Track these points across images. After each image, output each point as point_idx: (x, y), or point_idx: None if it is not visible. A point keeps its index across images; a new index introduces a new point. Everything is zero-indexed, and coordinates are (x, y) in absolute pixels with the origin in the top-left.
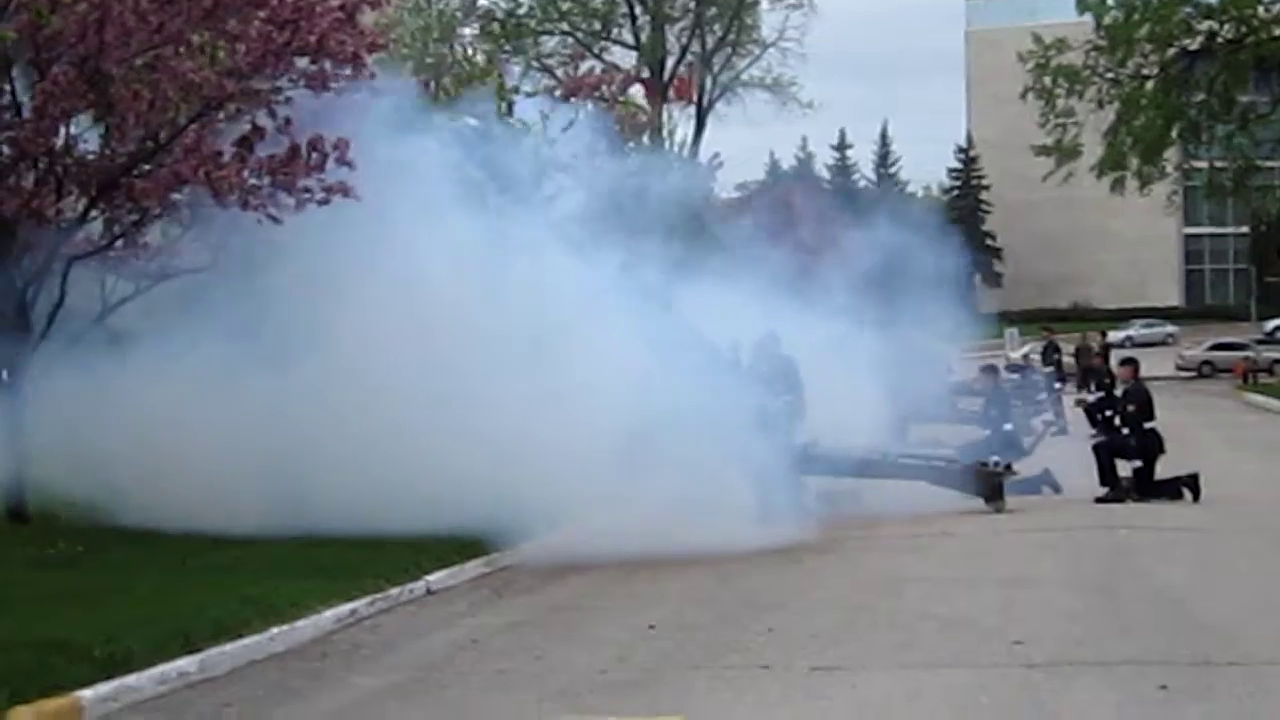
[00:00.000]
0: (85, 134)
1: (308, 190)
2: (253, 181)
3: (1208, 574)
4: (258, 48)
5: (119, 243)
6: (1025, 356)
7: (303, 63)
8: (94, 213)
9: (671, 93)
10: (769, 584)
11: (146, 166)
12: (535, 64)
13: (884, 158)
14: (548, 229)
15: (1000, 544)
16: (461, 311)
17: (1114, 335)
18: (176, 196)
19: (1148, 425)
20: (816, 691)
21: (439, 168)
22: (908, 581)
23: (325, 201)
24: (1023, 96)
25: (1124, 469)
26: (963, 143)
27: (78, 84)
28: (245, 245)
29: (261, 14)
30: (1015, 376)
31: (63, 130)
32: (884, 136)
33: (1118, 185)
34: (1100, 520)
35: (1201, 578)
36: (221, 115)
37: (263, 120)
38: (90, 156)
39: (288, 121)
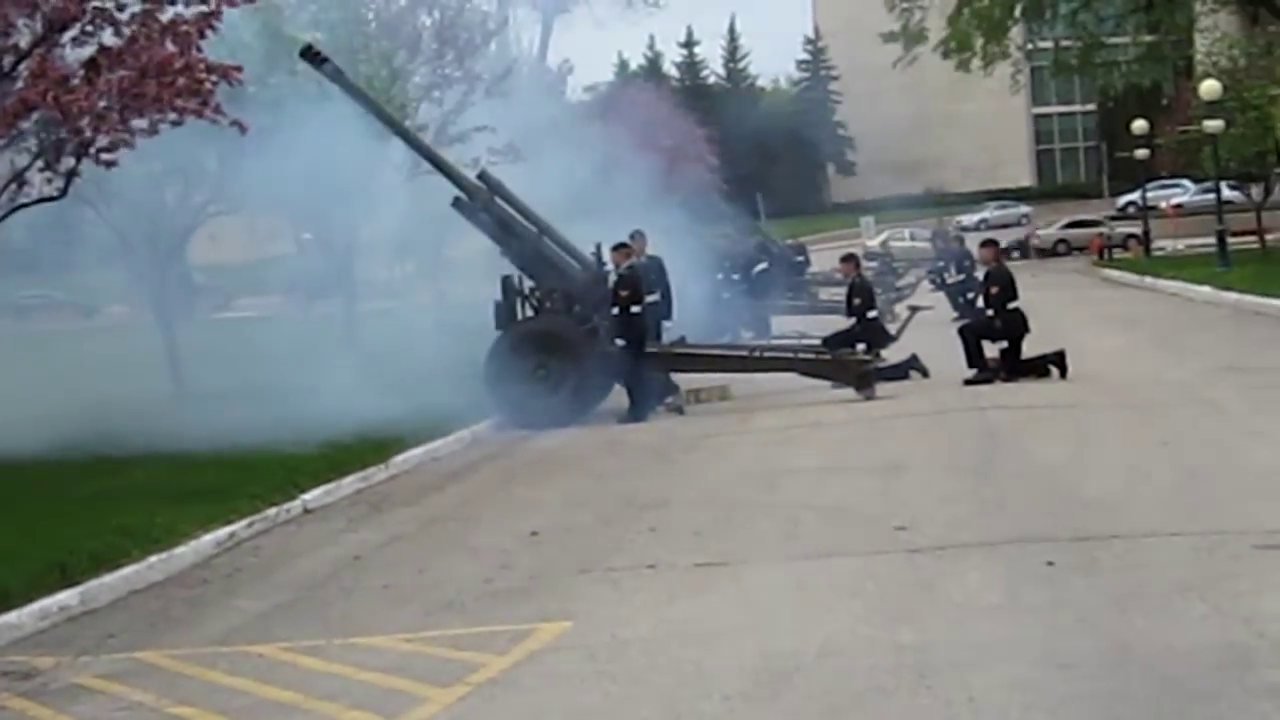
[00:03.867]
0: None
1: (160, 111)
2: (103, 104)
3: (1082, 450)
4: None
5: None
6: (883, 244)
7: None
8: None
9: None
10: (646, 484)
11: None
12: None
13: (732, 53)
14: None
15: (873, 431)
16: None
17: (969, 219)
18: (24, 125)
19: (1011, 306)
20: (703, 587)
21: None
22: (784, 473)
23: (179, 123)
24: None
25: (990, 350)
26: (810, 34)
27: None
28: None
29: None
30: (873, 264)
31: None
32: (731, 32)
33: (963, 65)
34: (971, 402)
35: (1076, 454)
36: (66, 38)
37: (109, 40)
38: None
39: (134, 40)
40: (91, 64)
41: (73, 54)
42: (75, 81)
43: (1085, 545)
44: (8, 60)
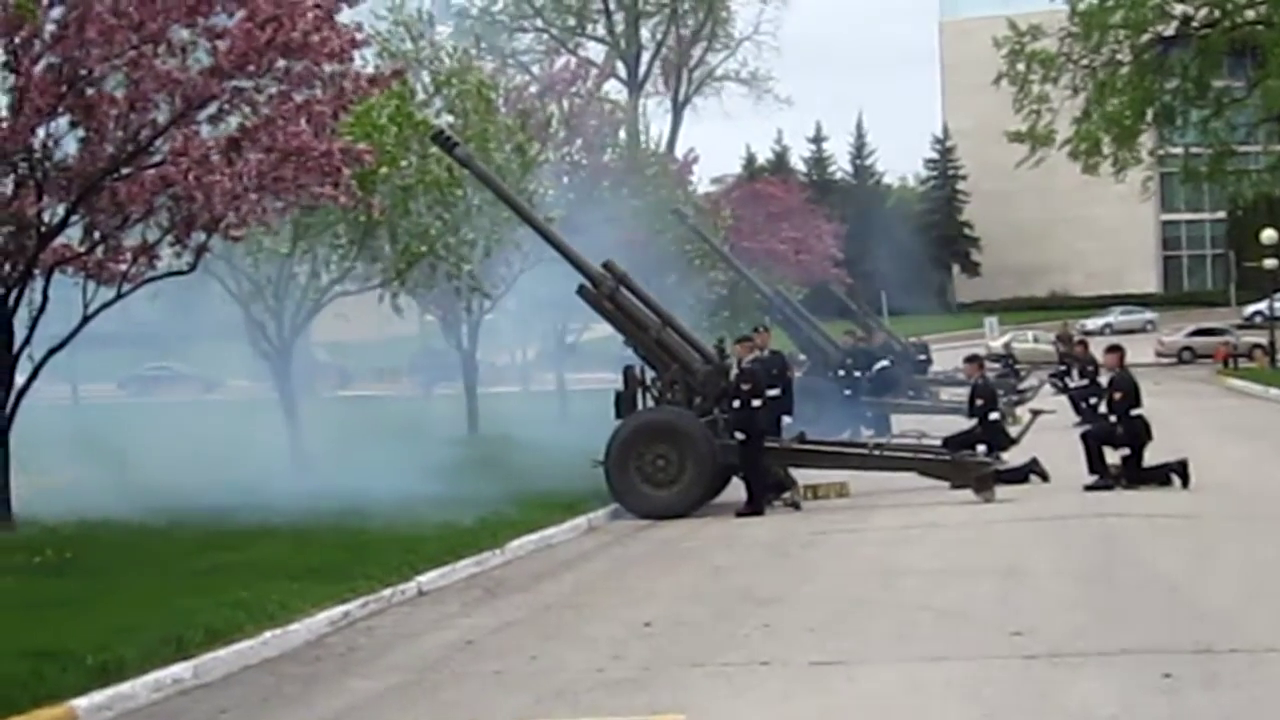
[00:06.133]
0: (65, 137)
1: (295, 194)
2: (241, 186)
3: (1202, 560)
4: (240, 45)
5: (99, 248)
6: (1006, 345)
7: (284, 63)
8: (74, 217)
9: (649, 86)
10: (762, 578)
11: (127, 170)
12: (510, 61)
13: (860, 150)
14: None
15: (992, 534)
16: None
17: (1093, 323)
18: (160, 200)
19: (1134, 412)
20: (817, 686)
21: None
22: (901, 573)
23: (314, 207)
24: (995, 82)
25: (1112, 456)
26: (938, 133)
27: (54, 84)
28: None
29: (242, 11)
30: (997, 366)
31: (41, 132)
32: (859, 128)
33: (1090, 169)
34: (1091, 508)
35: (1196, 564)
36: (203, 116)
37: (248, 120)
38: (70, 160)
39: (270, 121)
40: (232, 144)
41: (208, 131)
42: (215, 159)
43: (1204, 658)
44: (145, 134)
